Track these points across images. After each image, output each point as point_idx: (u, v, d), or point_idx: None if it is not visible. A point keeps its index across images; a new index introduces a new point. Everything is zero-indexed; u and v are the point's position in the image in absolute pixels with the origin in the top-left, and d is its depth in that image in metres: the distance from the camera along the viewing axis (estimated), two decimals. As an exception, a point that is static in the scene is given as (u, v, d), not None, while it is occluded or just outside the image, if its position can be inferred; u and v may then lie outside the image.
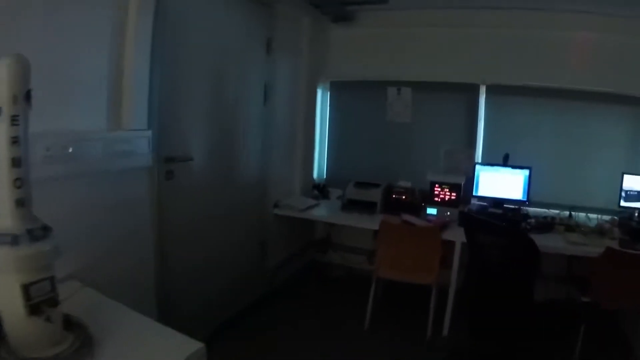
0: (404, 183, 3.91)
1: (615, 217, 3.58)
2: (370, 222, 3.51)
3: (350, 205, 3.84)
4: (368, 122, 4.45)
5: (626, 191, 3.81)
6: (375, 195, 3.87)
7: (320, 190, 4.36)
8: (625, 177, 3.77)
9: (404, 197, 3.85)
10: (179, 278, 2.67)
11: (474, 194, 3.87)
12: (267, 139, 3.65)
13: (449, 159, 4.07)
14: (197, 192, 2.81)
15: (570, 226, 3.48)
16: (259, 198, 3.58)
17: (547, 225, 3.51)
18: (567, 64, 3.85)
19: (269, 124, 3.64)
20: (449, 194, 3.75)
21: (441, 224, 3.44)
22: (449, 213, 3.65)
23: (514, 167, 3.80)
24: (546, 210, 3.84)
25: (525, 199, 3.79)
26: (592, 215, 3.68)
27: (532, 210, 3.83)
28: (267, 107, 3.59)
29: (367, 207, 3.77)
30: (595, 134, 3.96)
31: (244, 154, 3.39)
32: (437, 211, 3.70)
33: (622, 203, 3.77)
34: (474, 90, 4.05)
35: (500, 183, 3.82)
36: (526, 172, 3.77)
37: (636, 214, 3.71)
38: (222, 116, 3.11)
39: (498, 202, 3.83)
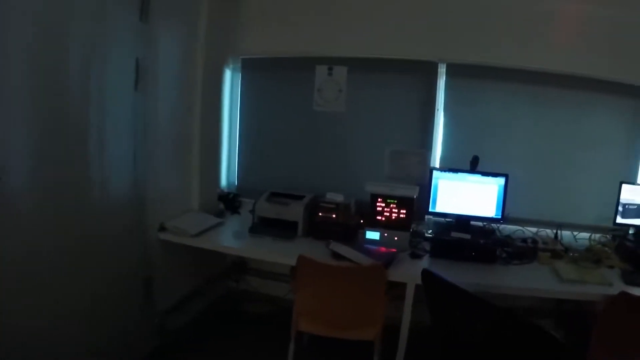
0: (334, 196, 2.82)
1: (607, 236, 2.95)
2: (287, 253, 2.50)
3: (263, 226, 2.85)
4: (290, 112, 3.34)
5: (624, 205, 2.90)
6: (296, 212, 2.80)
7: (227, 203, 3.25)
8: (624, 187, 2.86)
9: (333, 215, 2.74)
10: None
11: (430, 209, 2.80)
12: (144, 138, 2.51)
13: (397, 164, 3.00)
14: (19, 222, 1.87)
15: (557, 252, 2.69)
16: (135, 221, 2.55)
17: (528, 251, 2.67)
18: (551, 42, 2.92)
19: (146, 117, 2.50)
20: (396, 211, 2.70)
21: (386, 258, 2.41)
22: (397, 238, 2.64)
23: (484, 174, 2.79)
24: (523, 229, 2.96)
25: (499, 216, 2.78)
26: (581, 235, 2.97)
27: (507, 228, 2.93)
28: (141, 94, 2.43)
29: (284, 228, 2.80)
30: (585, 132, 3.08)
31: (104, 161, 2.27)
32: (381, 236, 2.66)
33: (619, 219, 2.96)
34: (430, 71, 3.06)
35: (467, 195, 2.82)
36: (501, 180, 2.78)
37: (631, 233, 2.96)
38: (57, 111, 1.98)
39: (463, 221, 2.80)
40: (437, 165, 3.04)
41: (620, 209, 2.95)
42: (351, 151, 3.19)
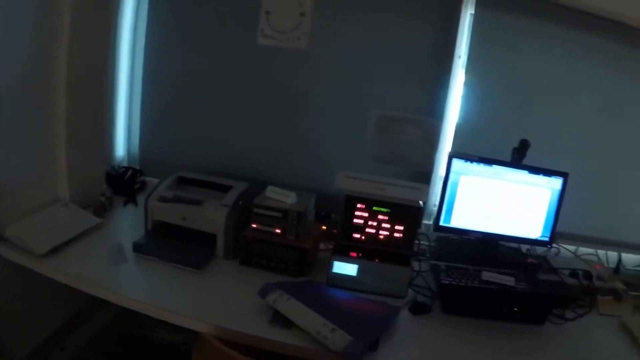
0: (280, 194, 1.63)
1: None
2: (187, 303, 1.43)
3: (158, 238, 1.70)
4: (221, 48, 2.03)
5: None
6: (214, 218, 1.64)
7: (121, 186, 2.06)
8: None
9: (277, 230, 1.57)
10: None
11: (441, 222, 1.68)
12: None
13: (387, 137, 1.84)
14: None
15: (618, 292, 1.82)
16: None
17: (582, 293, 1.74)
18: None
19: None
20: (388, 226, 1.58)
21: (374, 330, 1.35)
22: (388, 276, 1.54)
23: (535, 170, 1.67)
24: (558, 247, 1.98)
25: (546, 237, 1.72)
26: (630, 257, 2.07)
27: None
28: None
29: (193, 246, 1.66)
30: None
31: None
32: (360, 271, 1.55)
33: None
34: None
35: (503, 202, 1.69)
36: (556, 182, 1.70)
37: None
38: None
39: (490, 242, 1.71)
40: (449, 148, 1.87)
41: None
42: (315, 114, 1.94)
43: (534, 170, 1.68)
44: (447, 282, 1.49)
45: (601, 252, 2.03)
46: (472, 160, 1.66)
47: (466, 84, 1.83)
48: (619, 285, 1.87)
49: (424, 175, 1.72)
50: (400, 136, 1.78)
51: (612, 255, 2.02)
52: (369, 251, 1.58)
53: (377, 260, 1.55)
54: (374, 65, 1.84)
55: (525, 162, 1.71)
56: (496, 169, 1.67)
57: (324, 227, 1.77)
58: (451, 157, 1.65)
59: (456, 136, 1.87)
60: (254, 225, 1.63)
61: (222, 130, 2.01)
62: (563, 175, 1.71)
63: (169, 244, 1.64)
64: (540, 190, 1.70)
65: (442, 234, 1.77)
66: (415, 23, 1.83)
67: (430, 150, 1.76)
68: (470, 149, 1.73)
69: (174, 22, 2.03)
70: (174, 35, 2.04)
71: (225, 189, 1.75)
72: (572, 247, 1.99)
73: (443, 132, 1.83)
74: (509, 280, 1.52)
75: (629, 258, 2.08)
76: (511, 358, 1.36)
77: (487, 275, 1.53)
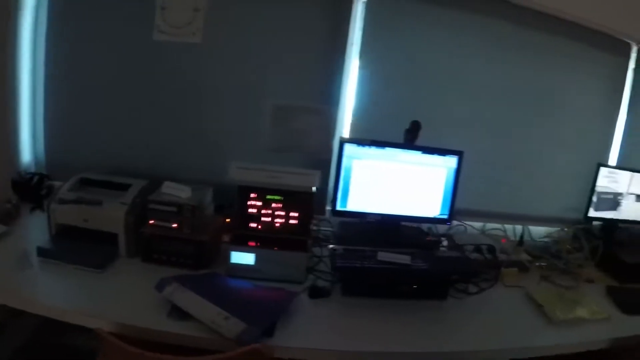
0: (175, 189, 1.61)
1: (565, 230, 2.21)
2: (91, 301, 1.39)
3: (62, 242, 1.63)
4: (118, 45, 1.96)
5: (599, 194, 2.01)
6: (113, 217, 1.60)
7: (28, 193, 1.95)
8: (602, 171, 1.98)
9: (174, 224, 1.54)
10: None
11: (336, 207, 1.69)
12: None
13: (285, 127, 1.84)
14: None
15: (523, 264, 1.90)
16: None
17: (487, 267, 1.80)
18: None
19: None
20: (283, 214, 1.58)
21: (270, 315, 1.33)
22: (285, 263, 1.54)
23: (428, 150, 1.71)
24: (464, 225, 2.07)
25: (445, 214, 1.75)
26: (535, 230, 2.19)
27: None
28: None
29: (96, 246, 1.61)
30: (559, 95, 2.18)
31: None
32: (257, 259, 1.54)
33: (592, 212, 2.20)
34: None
35: (399, 184, 1.72)
36: (452, 161, 1.73)
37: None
38: None
39: (390, 223, 1.73)
40: (346, 134, 1.90)
41: (594, 198, 2.13)
42: (213, 107, 1.92)
43: (428, 150, 1.72)
44: (340, 264, 1.50)
45: (510, 227, 2.10)
46: (364, 144, 1.67)
47: (361, 70, 1.85)
48: (524, 256, 1.95)
49: (324, 162, 1.73)
50: (297, 125, 1.79)
51: (519, 228, 2.09)
52: (267, 239, 1.57)
53: (275, 248, 1.54)
54: (268, 56, 1.84)
55: (423, 143, 1.73)
56: (389, 151, 1.69)
57: (227, 220, 1.75)
58: (342, 142, 1.65)
59: (354, 121, 1.89)
60: (152, 222, 1.60)
61: (123, 129, 1.96)
62: (458, 153, 1.74)
63: (72, 246, 1.58)
64: (435, 169, 1.74)
65: (343, 219, 1.78)
66: (308, 12, 1.84)
67: (327, 137, 1.77)
68: (369, 133, 1.76)
69: (73, 21, 1.97)
70: (74, 34, 1.98)
71: (125, 187, 1.71)
72: (479, 224, 2.05)
73: (340, 118, 1.85)
74: (405, 259, 1.55)
75: (537, 230, 2.16)
76: (412, 333, 1.38)
77: (382, 256, 1.54)
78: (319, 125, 1.79)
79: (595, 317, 1.61)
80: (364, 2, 1.84)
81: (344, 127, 1.90)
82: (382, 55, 1.89)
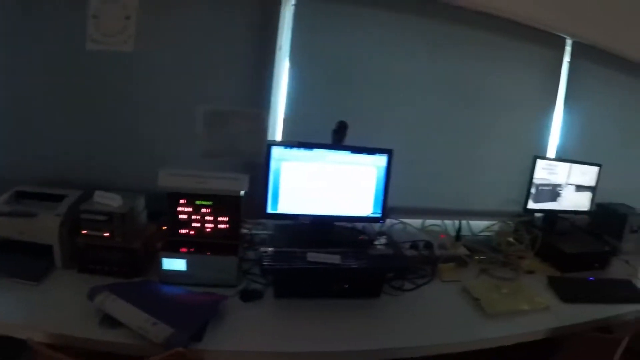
0: (106, 198, 1.62)
1: (509, 223, 2.24)
2: (25, 314, 1.39)
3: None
4: (52, 54, 1.92)
5: (538, 186, 2.07)
6: (47, 228, 1.59)
7: None
8: (538, 163, 2.03)
9: (105, 233, 1.56)
10: None
11: (268, 209, 1.71)
12: None
13: (218, 133, 1.86)
14: None
15: (462, 258, 1.96)
16: None
17: (424, 263, 1.86)
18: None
19: None
20: (212, 219, 1.60)
21: (198, 318, 1.35)
22: (216, 267, 1.56)
23: (356, 150, 1.75)
24: (403, 222, 2.08)
25: (378, 213, 1.78)
26: (476, 224, 2.24)
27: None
28: None
29: (32, 258, 1.60)
30: (493, 90, 2.20)
31: None
32: (189, 264, 1.55)
33: (531, 205, 2.25)
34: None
35: (328, 185, 1.76)
36: (381, 160, 1.76)
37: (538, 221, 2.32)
38: None
39: (323, 223, 1.77)
40: (280, 137, 1.92)
41: (533, 190, 2.19)
42: (147, 115, 1.91)
43: (356, 149, 1.74)
44: (267, 266, 1.52)
45: (450, 223, 2.13)
46: (292, 146, 1.69)
47: (291, 72, 1.87)
48: (462, 251, 1.98)
49: (258, 166, 1.75)
50: (229, 130, 1.80)
51: (463, 223, 2.13)
52: (199, 244, 1.59)
53: (208, 253, 1.56)
54: (200, 62, 1.85)
55: (358, 142, 1.75)
56: (317, 152, 1.71)
57: (164, 227, 1.76)
58: (270, 145, 1.67)
59: (286, 124, 1.91)
60: (84, 232, 1.60)
61: (59, 139, 1.94)
62: (387, 152, 1.77)
63: (9, 259, 1.58)
64: (365, 168, 1.76)
65: (279, 222, 1.80)
66: (237, 17, 1.84)
67: (260, 140, 1.79)
68: (301, 135, 1.77)
69: (3, 32, 1.96)
70: (4, 45, 1.97)
71: (60, 198, 1.71)
72: (420, 221, 2.08)
73: (272, 121, 1.87)
74: (335, 259, 1.57)
75: (480, 225, 2.20)
76: (347, 331, 1.39)
77: (312, 256, 1.57)
78: (251, 129, 1.80)
79: (534, 307, 1.64)
80: (293, 4, 1.85)
81: (277, 130, 1.92)
82: (312, 57, 1.91)
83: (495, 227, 2.21)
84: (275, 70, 1.86)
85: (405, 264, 1.73)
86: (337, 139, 1.71)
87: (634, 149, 2.53)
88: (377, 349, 1.33)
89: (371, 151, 1.75)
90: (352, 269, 1.56)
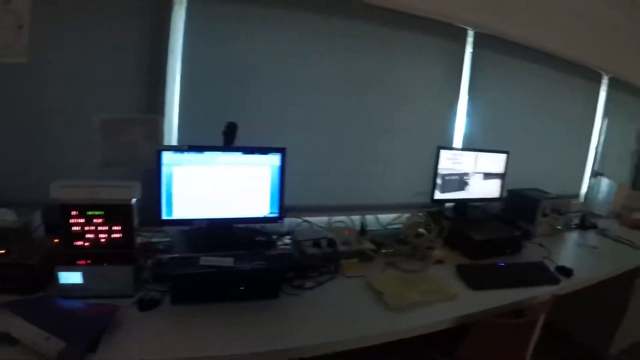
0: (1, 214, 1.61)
1: (420, 214, 2.28)
2: None
3: None
4: None
5: (443, 176, 2.16)
6: None
7: None
8: (442, 154, 2.11)
9: (1, 250, 1.59)
10: None
11: (163, 216, 1.75)
12: None
13: (115, 141, 1.88)
14: None
15: (367, 253, 1.96)
16: None
17: (325, 260, 1.85)
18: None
19: None
20: (105, 229, 1.62)
21: (91, 330, 1.37)
22: (112, 278, 1.58)
23: (247, 150, 1.80)
24: (308, 221, 2.12)
25: (276, 212, 1.84)
26: (385, 218, 2.26)
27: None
28: None
29: None
30: (397, 81, 2.24)
31: None
32: (85, 277, 1.56)
33: (439, 195, 2.33)
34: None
35: (222, 187, 1.81)
36: (274, 159, 1.82)
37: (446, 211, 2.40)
38: None
39: (220, 227, 1.80)
40: (175, 141, 1.95)
41: (439, 181, 2.27)
42: (45, 126, 1.91)
43: (247, 150, 1.77)
44: (158, 273, 1.55)
45: (357, 219, 2.16)
46: (182, 151, 1.71)
47: (184, 76, 1.89)
48: (367, 246, 1.98)
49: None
50: (126, 137, 1.82)
51: (370, 218, 2.17)
52: (95, 256, 1.60)
53: (104, 264, 1.59)
54: (94, 70, 1.84)
55: (253, 143, 1.77)
56: (208, 155, 1.74)
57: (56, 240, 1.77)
58: (159, 150, 1.69)
59: (182, 128, 1.93)
60: (-26, 249, 1.61)
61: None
62: (280, 150, 1.80)
63: None
64: (259, 168, 1.80)
65: (180, 228, 1.82)
66: (130, 24, 1.85)
67: (156, 146, 1.80)
68: (197, 139, 1.80)
69: None
70: None
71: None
72: (324, 218, 2.13)
73: (168, 126, 1.89)
74: (228, 261, 1.59)
75: (388, 218, 2.25)
76: (246, 334, 1.39)
77: (205, 260, 1.59)
78: (147, 135, 1.82)
79: (441, 297, 1.65)
80: (185, 7, 1.86)
81: (173, 135, 1.94)
82: (205, 59, 1.93)
83: (404, 220, 2.23)
84: (169, 75, 1.87)
85: (303, 263, 1.76)
86: (228, 140, 1.73)
87: (540, 134, 2.63)
88: (275, 350, 1.33)
89: (264, 151, 1.78)
90: (245, 271, 1.59)
